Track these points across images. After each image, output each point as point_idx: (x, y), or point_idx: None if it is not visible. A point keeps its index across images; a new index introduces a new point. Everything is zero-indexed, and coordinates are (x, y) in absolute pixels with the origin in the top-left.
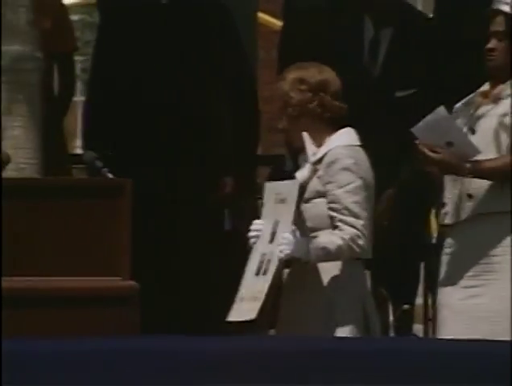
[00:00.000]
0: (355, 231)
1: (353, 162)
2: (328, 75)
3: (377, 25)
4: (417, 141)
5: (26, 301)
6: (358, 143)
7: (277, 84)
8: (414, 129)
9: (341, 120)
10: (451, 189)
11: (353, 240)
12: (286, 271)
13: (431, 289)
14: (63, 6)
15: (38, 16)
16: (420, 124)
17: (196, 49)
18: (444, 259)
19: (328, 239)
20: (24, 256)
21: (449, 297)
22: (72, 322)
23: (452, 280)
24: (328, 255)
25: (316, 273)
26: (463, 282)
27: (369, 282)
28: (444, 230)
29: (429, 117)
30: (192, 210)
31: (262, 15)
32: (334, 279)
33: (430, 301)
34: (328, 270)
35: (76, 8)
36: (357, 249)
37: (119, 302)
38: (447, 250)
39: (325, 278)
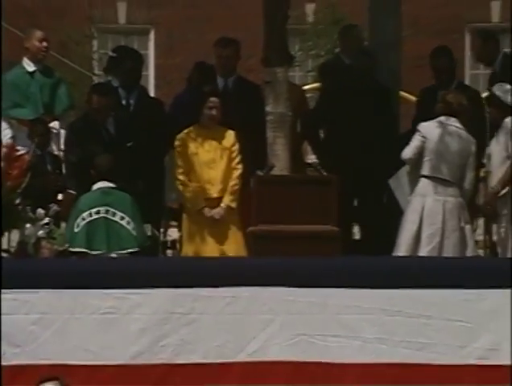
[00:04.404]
0: None
1: None
2: None
3: None
4: None
5: (279, 239)
6: None
7: None
8: None
9: None
10: None
11: None
12: None
13: None
14: (303, 90)
15: (289, 93)
16: None
17: None
18: None
19: None
20: (280, 215)
21: None
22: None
23: None
24: None
25: None
26: None
27: None
28: None
29: None
30: None
31: None
32: None
33: None
34: None
35: (311, 90)
36: None
37: (328, 241)
38: None
39: None
